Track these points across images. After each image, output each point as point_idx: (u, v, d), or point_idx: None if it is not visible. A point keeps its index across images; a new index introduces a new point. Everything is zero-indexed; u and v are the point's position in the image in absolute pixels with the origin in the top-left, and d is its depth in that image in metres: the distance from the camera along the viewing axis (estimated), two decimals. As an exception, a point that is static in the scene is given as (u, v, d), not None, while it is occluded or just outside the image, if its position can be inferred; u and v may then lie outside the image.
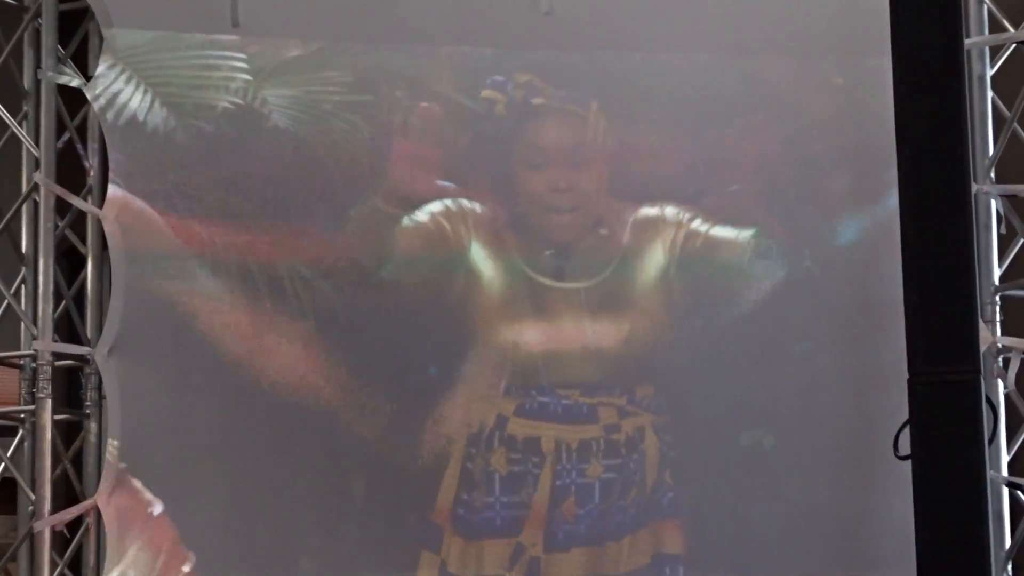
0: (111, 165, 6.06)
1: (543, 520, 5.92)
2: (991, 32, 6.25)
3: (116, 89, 6.03)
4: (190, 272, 6.02)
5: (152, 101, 6.03)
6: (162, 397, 6.05)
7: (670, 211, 6.05)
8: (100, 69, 6.05)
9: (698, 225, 6.02)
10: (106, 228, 6.09)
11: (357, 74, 6.09)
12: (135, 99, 6.03)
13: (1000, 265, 6.20)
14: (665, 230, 6.05)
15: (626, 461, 5.96)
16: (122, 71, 6.04)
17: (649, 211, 6.07)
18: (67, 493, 6.33)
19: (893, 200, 4.04)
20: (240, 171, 6.03)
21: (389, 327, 6.01)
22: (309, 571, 5.97)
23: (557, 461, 5.93)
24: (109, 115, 6.03)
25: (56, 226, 6.28)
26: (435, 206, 6.02)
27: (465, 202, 6.02)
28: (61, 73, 6.31)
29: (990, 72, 6.28)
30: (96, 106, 6.05)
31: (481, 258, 6.01)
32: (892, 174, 4.01)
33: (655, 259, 6.05)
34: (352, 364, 6.01)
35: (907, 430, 3.68)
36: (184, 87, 6.07)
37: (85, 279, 6.38)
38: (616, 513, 5.95)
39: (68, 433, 6.39)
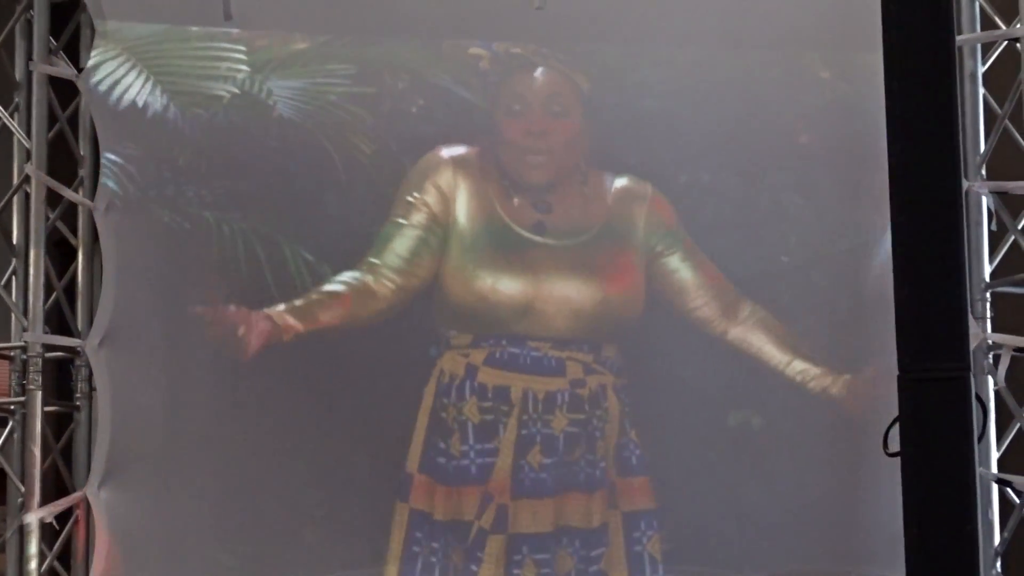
0: (107, 154, 6.07)
1: (509, 469, 5.99)
2: (983, 29, 6.26)
3: (121, 78, 6.06)
4: (184, 260, 6.06)
5: (160, 91, 6.08)
6: (153, 388, 6.06)
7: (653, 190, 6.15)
8: (102, 58, 6.06)
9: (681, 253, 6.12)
10: (97, 220, 6.10)
11: (361, 66, 6.16)
12: (143, 89, 6.07)
13: (991, 262, 6.21)
14: (649, 213, 6.12)
15: (589, 417, 6.04)
16: (127, 61, 6.07)
17: (634, 185, 6.14)
18: (56, 485, 6.34)
19: (882, 194, 4.05)
20: (247, 159, 6.10)
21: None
22: (312, 543, 6.02)
23: (523, 411, 6.01)
24: (114, 105, 6.07)
25: (47, 218, 6.28)
26: (419, 191, 6.08)
27: (451, 157, 6.12)
28: (53, 65, 6.30)
29: (982, 69, 6.29)
30: (101, 95, 6.05)
31: (463, 207, 6.07)
32: (881, 169, 4.01)
33: (636, 233, 6.11)
34: (351, 344, 6.06)
35: (896, 427, 3.67)
36: (192, 78, 6.12)
37: (76, 271, 6.38)
38: (585, 467, 6.02)
39: (58, 425, 6.39)
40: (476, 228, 6.07)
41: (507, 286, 6.04)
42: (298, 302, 6.00)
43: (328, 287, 6.02)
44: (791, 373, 6.09)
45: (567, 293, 6.05)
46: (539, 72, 6.19)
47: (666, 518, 6.05)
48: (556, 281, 6.05)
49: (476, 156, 6.13)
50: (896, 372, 3.58)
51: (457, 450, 5.99)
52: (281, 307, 5.99)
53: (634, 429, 6.06)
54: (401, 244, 6.04)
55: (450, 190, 6.07)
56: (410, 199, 6.07)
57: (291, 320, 5.97)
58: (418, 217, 6.06)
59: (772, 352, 6.10)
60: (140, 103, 6.06)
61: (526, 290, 6.04)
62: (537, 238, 6.07)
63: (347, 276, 6.04)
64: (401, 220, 6.07)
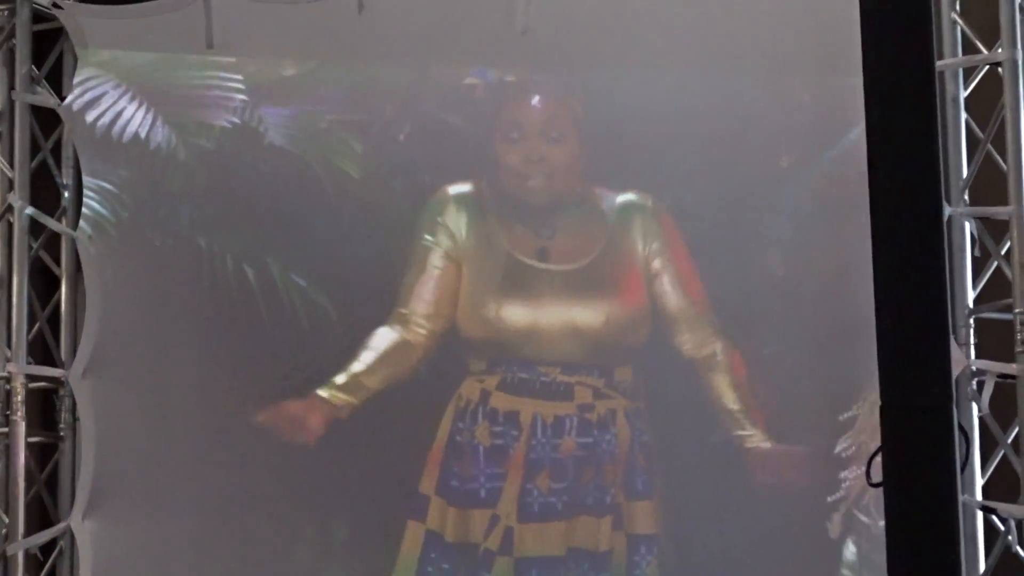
0: (97, 182, 6.07)
1: (517, 492, 6.03)
2: (964, 54, 6.26)
3: (120, 108, 6.13)
4: (173, 286, 6.06)
5: (154, 119, 6.13)
6: (137, 418, 6.06)
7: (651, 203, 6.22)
8: (96, 91, 6.12)
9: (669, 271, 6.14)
10: (80, 249, 6.10)
11: (349, 93, 6.22)
12: (144, 120, 6.11)
13: (974, 288, 6.20)
14: (646, 222, 6.15)
15: (598, 440, 6.08)
16: (127, 92, 6.12)
17: (636, 198, 6.20)
18: (41, 515, 6.32)
19: (863, 215, 4.07)
20: (238, 185, 6.16)
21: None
22: (303, 560, 6.04)
23: (532, 436, 6.06)
24: (117, 136, 6.12)
25: (30, 247, 6.27)
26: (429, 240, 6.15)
27: (454, 194, 6.19)
28: (35, 94, 6.30)
29: (964, 94, 6.29)
30: (104, 127, 6.08)
31: (468, 240, 6.16)
32: (861, 190, 4.02)
33: (637, 249, 6.16)
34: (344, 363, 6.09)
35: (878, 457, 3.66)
36: (185, 106, 6.18)
37: (59, 300, 6.37)
38: (595, 490, 6.05)
39: (42, 455, 6.37)
40: (482, 260, 6.14)
41: (512, 315, 6.11)
42: (345, 377, 6.08)
43: (369, 353, 6.09)
44: (732, 429, 6.13)
45: (572, 317, 6.11)
46: (535, 100, 6.26)
47: (667, 543, 6.06)
48: (560, 306, 6.12)
49: (477, 189, 6.19)
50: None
51: (468, 473, 6.05)
52: (334, 383, 6.06)
53: (642, 454, 6.07)
54: (425, 288, 6.13)
55: (456, 227, 6.15)
56: (424, 243, 6.14)
57: (344, 396, 6.06)
58: (434, 259, 6.13)
59: (725, 403, 6.14)
60: (142, 134, 6.13)
61: (531, 317, 6.11)
62: (540, 265, 6.13)
63: (383, 334, 6.10)
64: (420, 265, 6.10)
